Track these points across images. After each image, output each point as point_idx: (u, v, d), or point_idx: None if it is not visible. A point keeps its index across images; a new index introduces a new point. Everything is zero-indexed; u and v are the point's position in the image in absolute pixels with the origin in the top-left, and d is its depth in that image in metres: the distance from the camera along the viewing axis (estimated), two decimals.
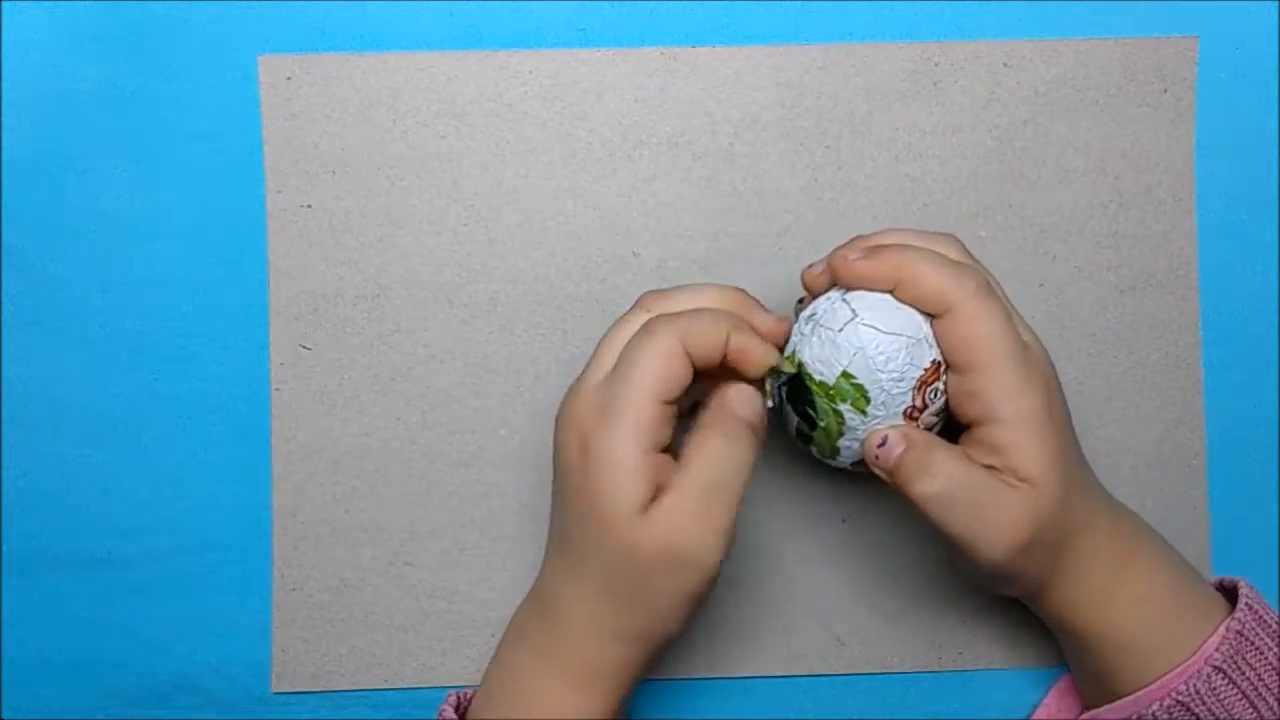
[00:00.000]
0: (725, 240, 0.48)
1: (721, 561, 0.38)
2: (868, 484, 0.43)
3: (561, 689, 0.40)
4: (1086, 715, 0.42)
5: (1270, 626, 0.40)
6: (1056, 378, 0.41)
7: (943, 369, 0.40)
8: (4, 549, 0.47)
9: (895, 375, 0.39)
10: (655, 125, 0.47)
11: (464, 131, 0.47)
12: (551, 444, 0.41)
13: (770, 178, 0.48)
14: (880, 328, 0.39)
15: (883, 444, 0.39)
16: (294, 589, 0.47)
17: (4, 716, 0.47)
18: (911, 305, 0.40)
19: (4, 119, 0.47)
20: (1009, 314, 0.40)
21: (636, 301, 0.41)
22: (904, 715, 0.48)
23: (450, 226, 0.47)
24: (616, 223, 0.48)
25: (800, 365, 0.40)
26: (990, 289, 0.40)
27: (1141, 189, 0.48)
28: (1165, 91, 0.48)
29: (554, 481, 0.41)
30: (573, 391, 0.40)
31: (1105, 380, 0.48)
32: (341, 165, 0.47)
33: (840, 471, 0.43)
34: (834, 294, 0.41)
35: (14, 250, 0.47)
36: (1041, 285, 0.48)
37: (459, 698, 0.42)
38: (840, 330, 0.39)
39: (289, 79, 0.47)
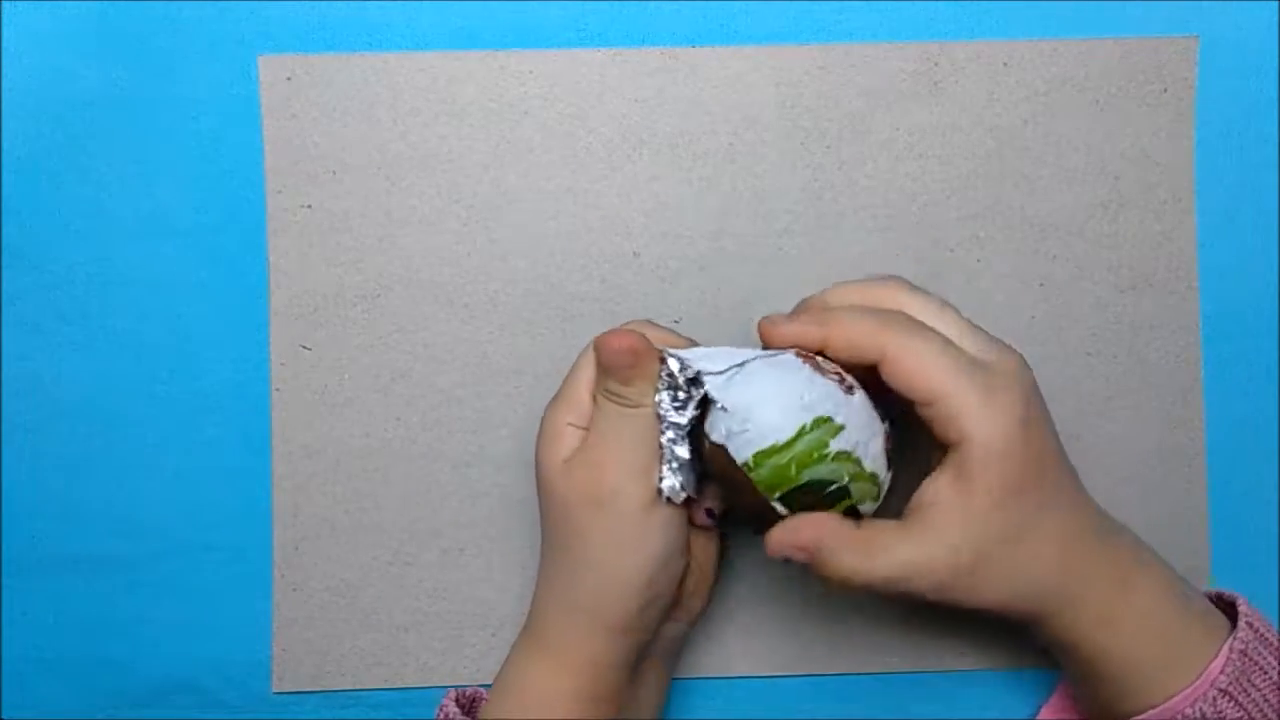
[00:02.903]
0: (725, 240, 0.48)
1: (648, 508, 0.40)
2: None
3: (544, 673, 0.41)
4: None
5: (1271, 643, 0.39)
6: (1036, 389, 0.40)
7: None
8: (4, 549, 0.47)
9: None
10: (655, 125, 0.47)
11: (464, 131, 0.47)
12: None
13: (770, 178, 0.48)
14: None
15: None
16: (294, 589, 0.47)
17: (4, 716, 0.47)
18: (843, 360, 0.40)
19: (4, 119, 0.47)
20: (944, 341, 0.39)
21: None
22: (904, 715, 0.48)
23: (450, 226, 0.47)
24: (616, 223, 0.48)
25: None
26: (914, 324, 0.39)
27: (1141, 189, 0.48)
28: (1165, 91, 0.48)
29: None
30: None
31: (1105, 380, 0.48)
32: (341, 165, 0.47)
33: None
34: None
35: (14, 250, 0.47)
36: (1041, 285, 0.48)
37: (459, 695, 0.43)
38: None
39: (289, 79, 0.47)
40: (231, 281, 0.47)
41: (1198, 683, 0.39)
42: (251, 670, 0.47)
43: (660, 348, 0.41)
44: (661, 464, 0.40)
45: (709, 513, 0.42)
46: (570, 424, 0.41)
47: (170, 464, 0.47)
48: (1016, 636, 0.47)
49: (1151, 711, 0.39)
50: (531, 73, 0.47)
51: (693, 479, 0.40)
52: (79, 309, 0.47)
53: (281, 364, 0.47)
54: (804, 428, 0.38)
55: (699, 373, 0.39)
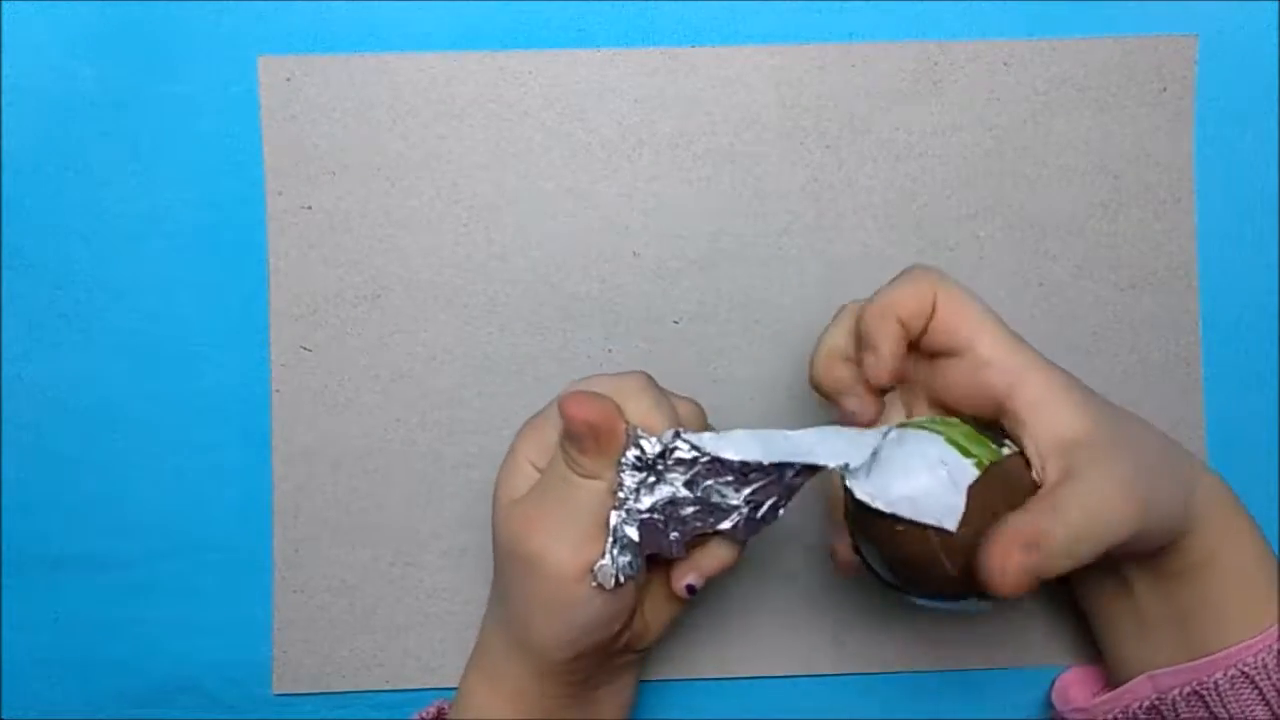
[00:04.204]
0: (725, 240, 0.48)
1: (578, 580, 0.37)
2: None
3: (487, 696, 0.41)
4: (1144, 675, 0.41)
5: None
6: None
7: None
8: (4, 549, 0.47)
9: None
10: (655, 125, 0.47)
11: (464, 131, 0.47)
12: None
13: (770, 178, 0.48)
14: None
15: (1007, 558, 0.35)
16: (295, 590, 0.47)
17: (4, 716, 0.47)
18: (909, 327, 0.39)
19: (4, 119, 0.47)
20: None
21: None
22: (904, 715, 0.48)
23: (450, 226, 0.47)
24: (616, 223, 0.48)
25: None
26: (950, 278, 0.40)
27: (1141, 188, 0.48)
28: (1165, 91, 0.48)
29: None
30: None
31: (1105, 380, 0.48)
32: (341, 166, 0.47)
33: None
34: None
35: (14, 250, 0.47)
36: (1041, 285, 0.48)
37: (439, 708, 0.43)
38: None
39: (289, 79, 0.47)
40: (231, 282, 0.47)
41: (1262, 635, 0.39)
42: (251, 671, 0.47)
43: (634, 427, 0.38)
44: (606, 543, 0.38)
45: (690, 588, 0.40)
46: (531, 462, 0.40)
47: (170, 464, 0.47)
48: (1016, 636, 0.47)
49: (1213, 656, 0.39)
50: (531, 73, 0.47)
51: (638, 561, 0.38)
52: (79, 309, 0.47)
53: (282, 365, 0.47)
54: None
55: (691, 456, 0.38)
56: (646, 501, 0.38)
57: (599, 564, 0.38)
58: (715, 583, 0.47)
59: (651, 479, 0.38)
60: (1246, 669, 0.39)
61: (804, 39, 0.48)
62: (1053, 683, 0.47)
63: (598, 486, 0.38)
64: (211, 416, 0.47)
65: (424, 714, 0.44)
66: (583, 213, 0.48)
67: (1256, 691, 0.39)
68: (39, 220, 0.47)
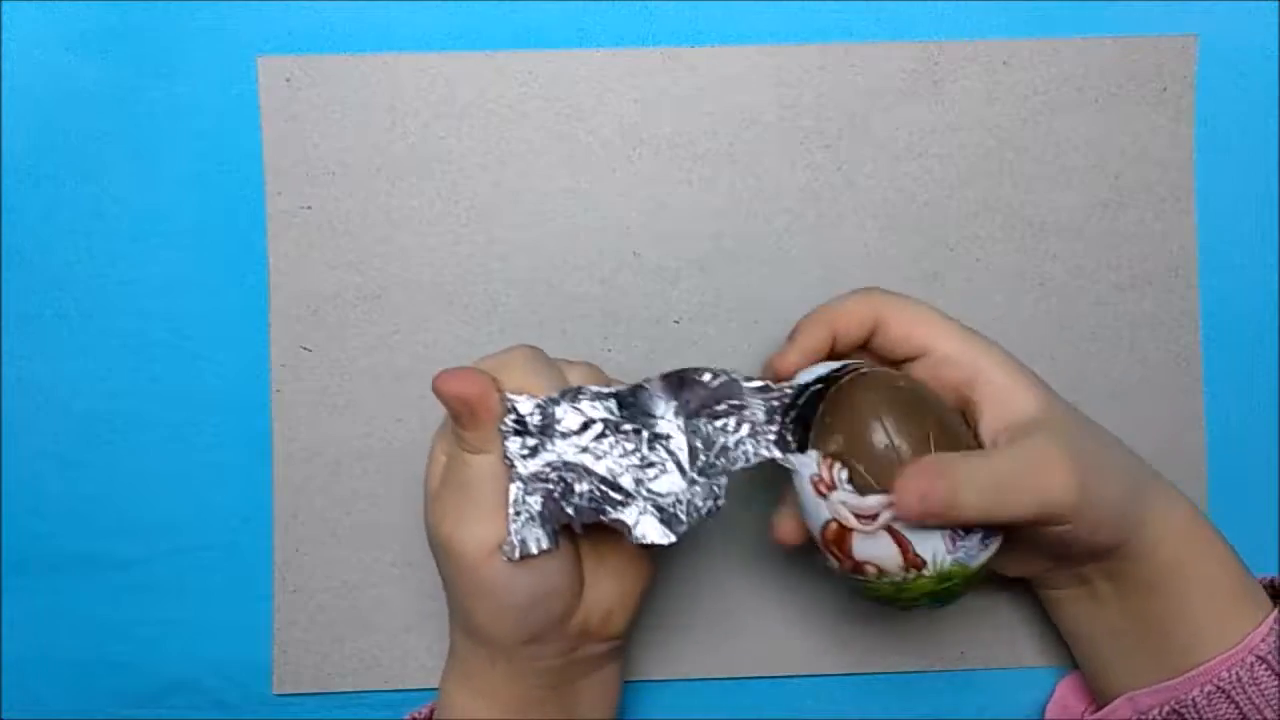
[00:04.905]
0: (725, 240, 0.48)
1: (489, 559, 0.37)
2: None
3: (464, 696, 0.41)
4: (1123, 697, 0.42)
5: None
6: None
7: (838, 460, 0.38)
8: (4, 549, 0.47)
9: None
10: (655, 125, 0.47)
11: (464, 132, 0.47)
12: None
13: (770, 178, 0.48)
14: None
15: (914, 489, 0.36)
16: (295, 590, 0.47)
17: (4, 716, 0.47)
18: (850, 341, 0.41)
19: (4, 119, 0.47)
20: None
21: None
22: (904, 715, 0.48)
23: (450, 227, 0.47)
24: (616, 223, 0.48)
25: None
26: (897, 294, 0.42)
27: (1141, 188, 0.48)
28: (1165, 90, 0.48)
29: None
30: None
31: (1105, 379, 0.48)
32: (341, 166, 0.47)
33: None
34: None
35: (14, 250, 0.47)
36: (1041, 285, 0.48)
37: (432, 708, 0.43)
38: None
39: (288, 80, 0.47)
40: (231, 282, 0.47)
41: (1236, 649, 0.39)
42: (252, 671, 0.47)
43: (506, 393, 0.38)
44: (509, 516, 0.37)
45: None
46: (445, 452, 0.40)
47: (170, 464, 0.47)
48: (1016, 636, 0.47)
49: (1189, 673, 0.39)
50: (531, 73, 0.47)
51: (547, 532, 0.37)
52: (79, 309, 0.47)
53: (282, 365, 0.47)
54: None
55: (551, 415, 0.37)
56: (533, 466, 0.38)
57: (506, 541, 0.37)
58: (715, 582, 0.47)
59: (533, 442, 0.38)
60: (1222, 684, 0.39)
61: (804, 39, 0.48)
62: (1051, 693, 0.47)
63: (488, 460, 0.38)
64: (211, 416, 0.47)
65: (417, 714, 0.43)
66: (583, 213, 0.48)
67: (1233, 705, 0.39)
68: (39, 220, 0.47)
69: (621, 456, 0.38)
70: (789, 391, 0.39)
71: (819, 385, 0.39)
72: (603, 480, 0.38)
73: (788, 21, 0.48)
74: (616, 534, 0.38)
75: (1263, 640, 0.39)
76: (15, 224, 0.47)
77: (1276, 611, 0.40)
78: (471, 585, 0.38)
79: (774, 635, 0.47)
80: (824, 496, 0.37)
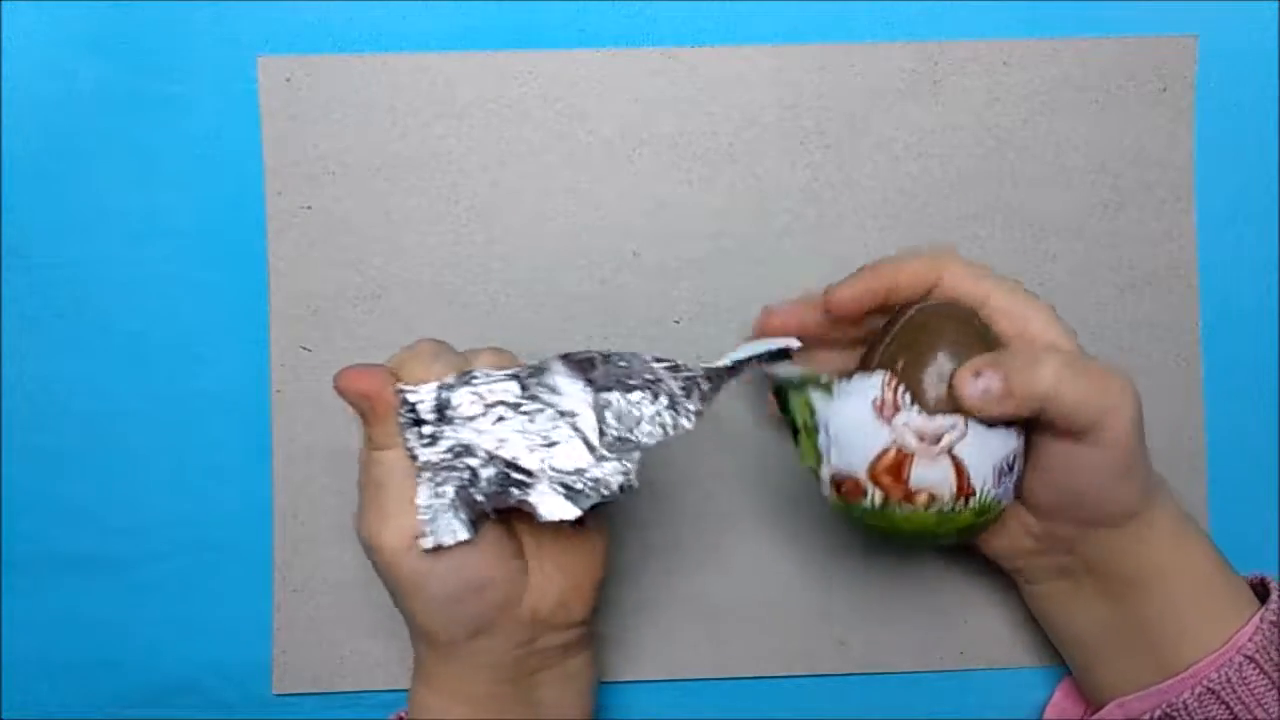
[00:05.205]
0: (725, 240, 0.48)
1: (407, 554, 0.37)
2: None
3: (428, 696, 0.41)
4: (1114, 702, 0.42)
5: None
6: None
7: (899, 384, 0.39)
8: (4, 549, 0.47)
9: None
10: (655, 125, 0.47)
11: (464, 131, 0.47)
12: None
13: (770, 178, 0.48)
14: None
15: (978, 374, 0.37)
16: (295, 590, 0.47)
17: (4, 717, 0.47)
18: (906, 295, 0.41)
19: (4, 119, 0.47)
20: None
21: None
22: (904, 715, 0.48)
23: (450, 227, 0.47)
24: (616, 223, 0.48)
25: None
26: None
27: (1141, 188, 0.48)
28: (1165, 91, 0.48)
29: None
30: None
31: None
32: (341, 166, 0.47)
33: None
34: None
35: (14, 250, 0.47)
36: (1041, 285, 0.48)
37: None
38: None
39: (288, 80, 0.47)
40: (231, 282, 0.47)
41: (1224, 649, 0.39)
42: (252, 671, 0.47)
43: (399, 385, 0.38)
44: (419, 509, 0.37)
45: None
46: (362, 454, 0.40)
47: (170, 464, 0.47)
48: (1016, 636, 0.47)
49: (1178, 675, 0.39)
50: (531, 73, 0.47)
51: (460, 520, 0.37)
52: (79, 309, 0.47)
53: (282, 365, 0.47)
54: None
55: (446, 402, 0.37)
56: (434, 454, 0.38)
57: (420, 535, 0.37)
58: (714, 582, 0.47)
59: (429, 430, 0.38)
60: (1211, 685, 0.39)
61: (804, 39, 0.48)
62: (1050, 695, 0.47)
63: (395, 455, 0.38)
64: (211, 416, 0.47)
65: (403, 714, 0.43)
66: (583, 213, 0.48)
67: (1224, 706, 0.39)
68: (39, 220, 0.47)
69: (523, 437, 0.38)
70: (701, 370, 0.39)
71: (748, 361, 0.40)
72: (507, 463, 0.38)
73: (788, 21, 0.48)
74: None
75: (1250, 639, 0.39)
76: (15, 224, 0.47)
77: (1263, 610, 0.40)
78: (397, 582, 0.38)
79: (775, 635, 0.47)
80: (886, 421, 0.38)
